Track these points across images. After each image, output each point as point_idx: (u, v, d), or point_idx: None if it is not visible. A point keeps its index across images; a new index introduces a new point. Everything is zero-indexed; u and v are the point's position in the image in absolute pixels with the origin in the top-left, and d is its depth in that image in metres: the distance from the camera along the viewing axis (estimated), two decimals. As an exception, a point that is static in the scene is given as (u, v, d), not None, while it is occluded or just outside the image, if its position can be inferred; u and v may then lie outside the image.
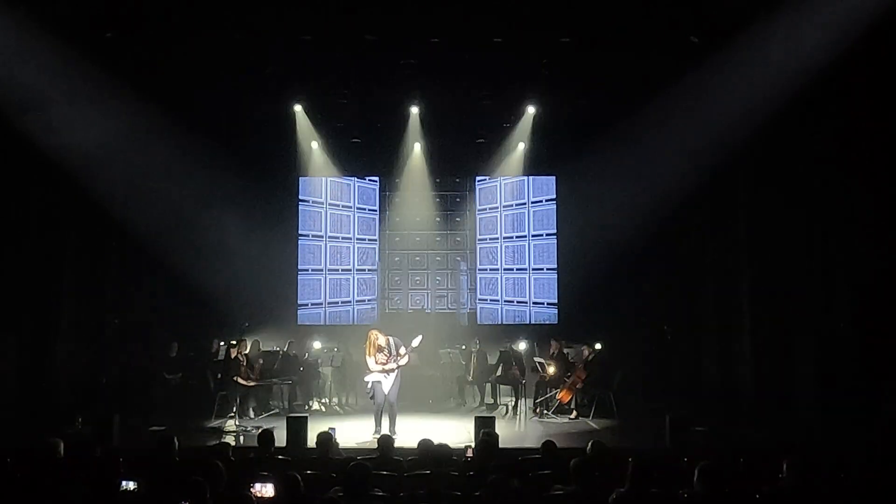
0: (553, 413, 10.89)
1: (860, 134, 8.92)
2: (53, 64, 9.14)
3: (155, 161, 11.27)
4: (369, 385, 9.11)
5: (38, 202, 10.40)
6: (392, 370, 8.95)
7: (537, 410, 10.90)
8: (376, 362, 8.95)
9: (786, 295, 10.08)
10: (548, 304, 14.18)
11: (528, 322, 14.03)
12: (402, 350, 9.01)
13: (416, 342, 9.11)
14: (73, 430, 8.56)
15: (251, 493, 4.39)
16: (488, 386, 11.54)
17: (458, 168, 14.14)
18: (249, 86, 11.33)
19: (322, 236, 14.43)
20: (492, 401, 11.45)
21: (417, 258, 14.48)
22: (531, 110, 12.51)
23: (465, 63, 10.78)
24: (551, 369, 10.95)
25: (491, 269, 14.53)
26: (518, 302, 14.38)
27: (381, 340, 9.00)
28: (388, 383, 8.95)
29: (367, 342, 9.07)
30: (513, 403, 11.06)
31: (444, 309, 14.45)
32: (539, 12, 9.52)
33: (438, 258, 14.52)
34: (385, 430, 8.79)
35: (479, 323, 14.18)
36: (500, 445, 6.89)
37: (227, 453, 6.15)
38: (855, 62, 8.50)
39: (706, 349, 11.63)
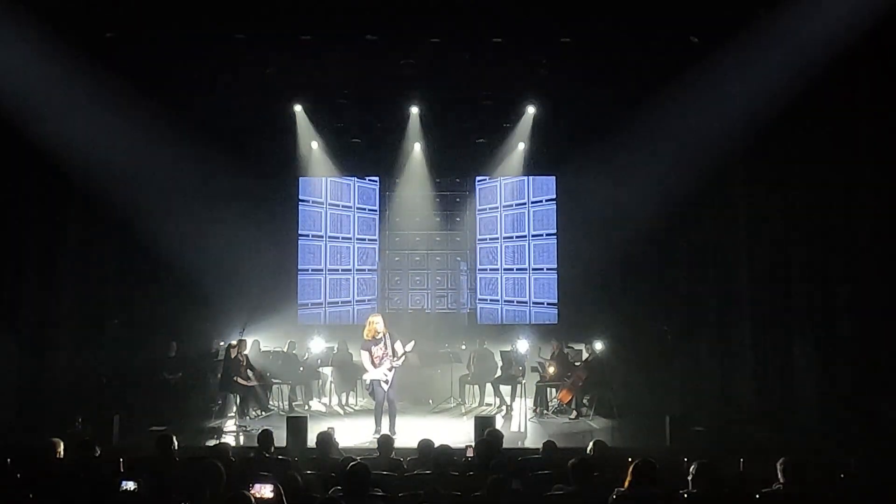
0: (553, 413, 10.90)
1: (860, 133, 8.92)
2: (54, 64, 9.14)
3: (155, 161, 11.25)
4: (368, 382, 9.16)
5: (38, 202, 10.40)
6: (388, 374, 8.98)
7: (537, 410, 10.90)
8: (372, 357, 8.98)
9: (786, 295, 10.08)
10: (548, 304, 14.17)
11: (528, 322, 14.01)
12: (399, 348, 9.05)
13: (408, 347, 9.13)
14: (73, 430, 8.56)
15: (251, 493, 4.38)
16: (488, 386, 11.54)
17: (458, 168, 14.12)
18: (249, 86, 11.34)
19: (322, 236, 14.42)
20: (492, 401, 11.45)
21: (417, 258, 14.46)
22: (531, 110, 12.50)
23: (465, 63, 10.78)
24: (551, 369, 10.96)
25: (491, 269, 14.53)
26: (518, 302, 14.37)
27: (380, 326, 9.03)
28: (386, 384, 8.99)
29: (367, 326, 9.12)
30: (512, 403, 11.06)
31: (444, 309, 14.44)
32: (539, 12, 9.52)
33: (438, 258, 14.51)
34: (385, 429, 8.82)
35: (479, 323, 14.18)
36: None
37: (227, 453, 6.16)
38: (855, 61, 8.51)
39: (706, 349, 11.62)
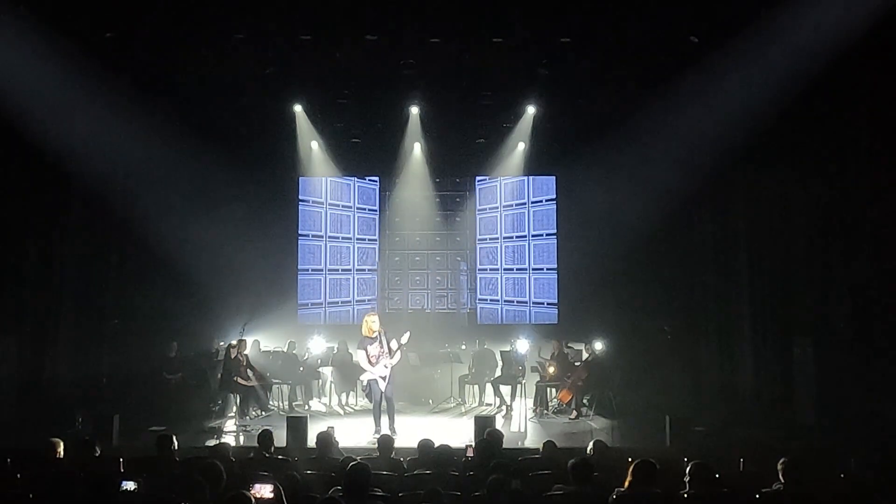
0: (553, 413, 10.90)
1: (860, 133, 8.91)
2: (54, 64, 9.14)
3: (155, 161, 11.27)
4: (365, 383, 9.20)
5: (38, 202, 10.39)
6: (385, 371, 9.00)
7: (537, 410, 10.90)
8: (368, 356, 9.02)
9: (786, 295, 10.08)
10: (548, 304, 14.18)
11: (528, 322, 14.02)
12: (394, 345, 9.09)
13: (403, 339, 9.15)
14: (73, 430, 8.56)
15: (251, 493, 4.38)
16: (488, 386, 11.54)
17: (458, 168, 14.13)
18: (249, 86, 11.34)
19: (322, 236, 14.43)
20: (492, 401, 11.45)
21: (417, 258, 14.47)
22: (531, 110, 12.50)
23: (465, 63, 10.78)
24: (551, 369, 10.96)
25: (491, 269, 14.53)
26: (518, 302, 14.38)
27: (376, 325, 9.09)
28: (383, 381, 9.02)
29: (364, 325, 9.20)
30: (512, 403, 11.06)
31: (444, 309, 14.45)
32: (539, 12, 9.52)
33: (438, 258, 14.52)
34: (385, 427, 8.84)
35: (479, 323, 14.19)
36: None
37: (227, 453, 6.16)
38: (855, 61, 8.50)
39: (706, 349, 11.62)
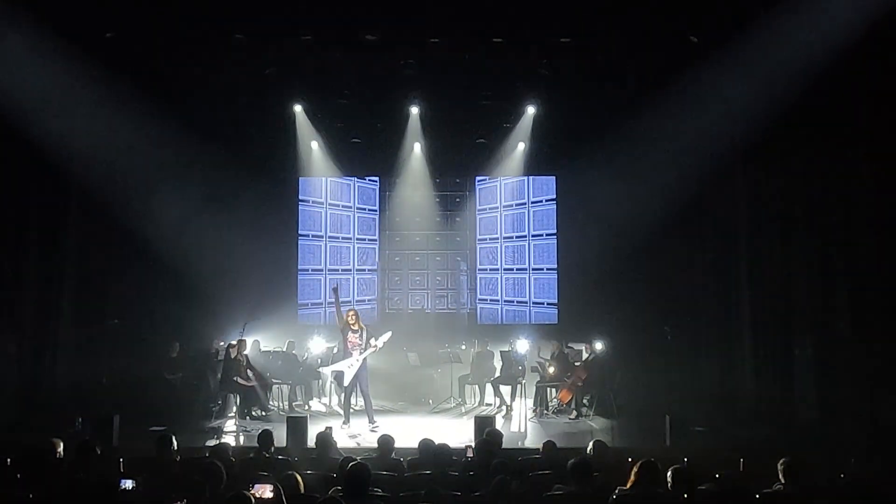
0: (553, 413, 10.89)
1: (860, 133, 8.92)
2: (54, 64, 9.14)
3: (155, 161, 11.27)
4: (333, 376, 9.45)
5: (39, 202, 10.39)
6: (356, 363, 9.36)
7: (537, 410, 10.90)
8: (346, 340, 9.52)
9: (786, 295, 10.07)
10: (548, 304, 14.17)
11: (528, 322, 14.01)
12: (373, 342, 9.48)
13: (381, 340, 9.53)
14: (73, 430, 8.56)
15: (251, 493, 4.38)
16: (488, 386, 11.54)
17: (458, 168, 14.12)
18: (249, 86, 11.34)
19: (322, 236, 14.42)
20: (492, 401, 11.44)
21: (417, 258, 14.47)
22: (531, 110, 12.50)
23: (465, 63, 10.79)
24: (551, 369, 10.96)
25: (491, 269, 14.52)
26: (518, 302, 14.37)
27: (352, 319, 9.56)
28: (350, 373, 9.40)
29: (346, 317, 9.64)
30: (512, 403, 11.06)
31: (444, 309, 14.44)
32: (539, 12, 9.53)
33: (438, 258, 14.51)
34: (364, 425, 9.31)
35: (479, 323, 14.18)
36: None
37: (227, 453, 6.16)
38: (855, 61, 8.50)
39: (706, 349, 11.61)
